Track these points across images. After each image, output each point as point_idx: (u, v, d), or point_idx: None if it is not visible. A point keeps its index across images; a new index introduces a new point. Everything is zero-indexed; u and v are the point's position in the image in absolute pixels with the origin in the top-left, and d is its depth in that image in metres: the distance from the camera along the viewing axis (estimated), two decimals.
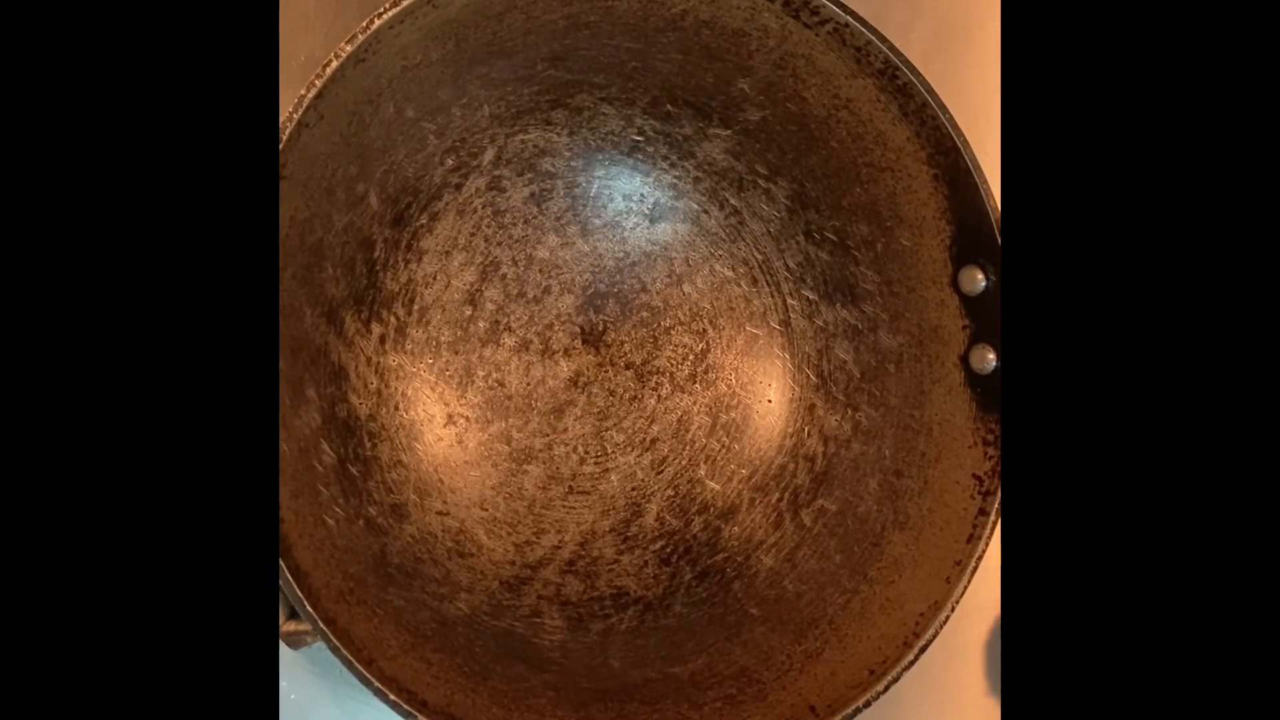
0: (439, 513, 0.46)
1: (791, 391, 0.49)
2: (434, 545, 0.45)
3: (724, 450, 0.49)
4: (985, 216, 0.40)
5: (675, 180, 0.49)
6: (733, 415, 0.49)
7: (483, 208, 0.48)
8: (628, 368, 0.48)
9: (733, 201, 0.48)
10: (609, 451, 0.48)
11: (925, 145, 0.41)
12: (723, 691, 0.42)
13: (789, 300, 0.49)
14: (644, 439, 0.48)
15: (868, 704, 0.39)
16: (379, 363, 0.46)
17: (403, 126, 0.43)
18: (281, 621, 0.38)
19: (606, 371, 0.48)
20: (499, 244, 0.48)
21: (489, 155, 0.47)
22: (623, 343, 0.48)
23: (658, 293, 0.49)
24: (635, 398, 0.48)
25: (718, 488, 0.48)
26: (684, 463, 0.48)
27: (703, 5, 0.42)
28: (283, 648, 0.39)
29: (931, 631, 0.40)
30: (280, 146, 0.37)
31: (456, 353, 0.47)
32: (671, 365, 0.49)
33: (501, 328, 0.48)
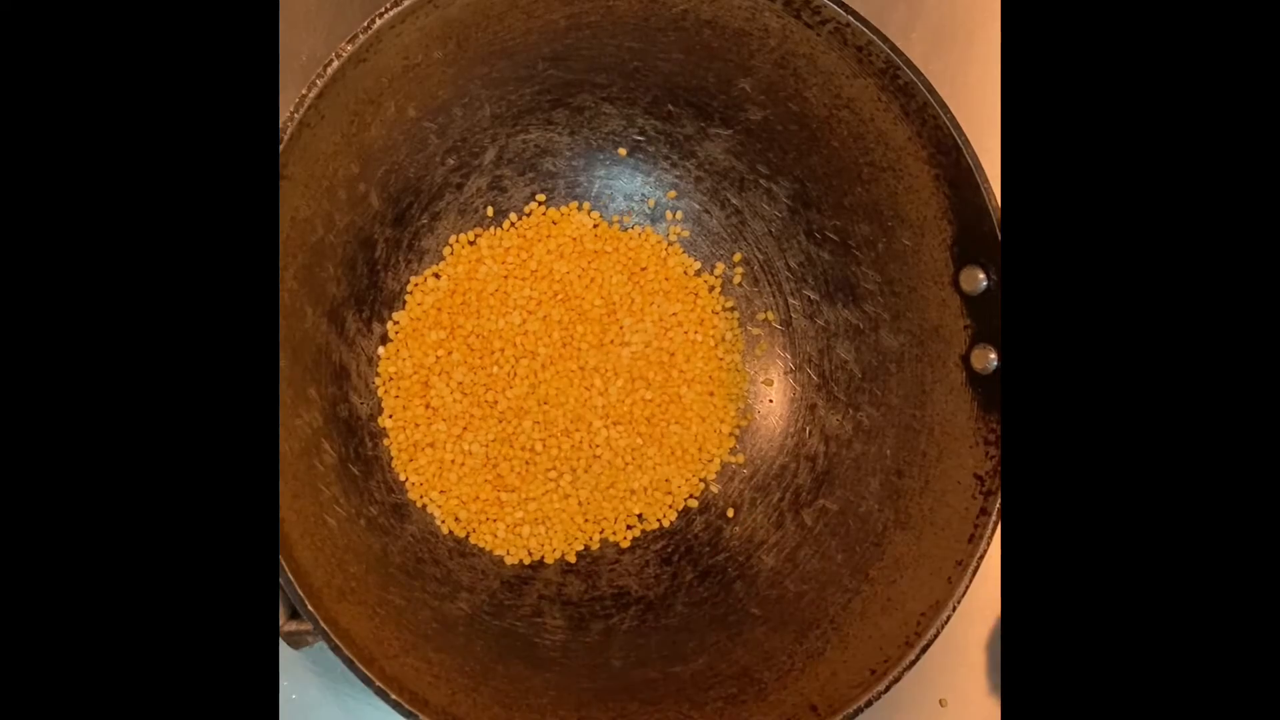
0: (440, 511, 0.46)
1: (793, 391, 0.49)
2: (435, 545, 0.45)
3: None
4: (986, 216, 0.40)
5: (676, 180, 0.49)
6: None
7: (484, 207, 0.48)
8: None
9: (734, 201, 0.49)
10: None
11: (926, 145, 0.41)
12: (724, 691, 0.42)
13: (790, 300, 0.49)
14: None
15: (869, 704, 0.39)
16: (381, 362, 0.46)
17: (404, 126, 0.43)
18: (283, 621, 0.38)
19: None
20: None
21: (490, 155, 0.47)
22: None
23: None
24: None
25: (719, 488, 0.48)
26: None
27: (704, 5, 0.42)
28: (284, 647, 0.39)
29: (933, 631, 0.40)
30: (282, 146, 0.37)
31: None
32: None
33: None
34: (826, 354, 0.48)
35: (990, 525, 0.40)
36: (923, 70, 0.40)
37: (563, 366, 0.47)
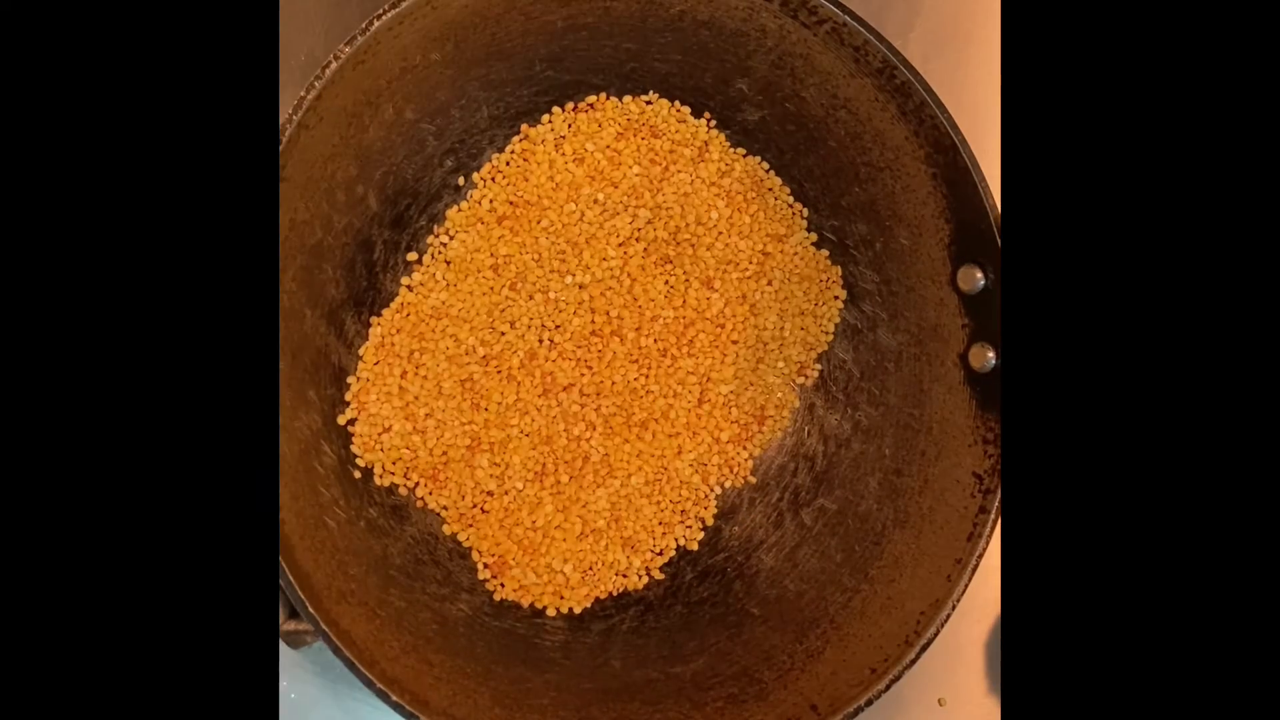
0: (440, 513, 0.46)
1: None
2: (435, 546, 0.45)
3: None
4: (984, 215, 0.40)
5: None
6: None
7: None
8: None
9: None
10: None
11: (924, 144, 0.41)
12: (724, 691, 0.42)
13: None
14: None
15: (869, 703, 0.39)
16: None
17: (402, 128, 0.43)
18: (282, 621, 0.38)
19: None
20: None
21: (488, 156, 0.47)
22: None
23: None
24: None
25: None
26: None
27: (701, 6, 0.42)
28: (284, 647, 0.39)
29: (932, 630, 0.40)
30: (280, 148, 0.37)
31: None
32: None
33: None
34: (825, 353, 0.48)
35: (989, 523, 0.40)
36: (922, 70, 0.40)
37: (564, 368, 0.47)
